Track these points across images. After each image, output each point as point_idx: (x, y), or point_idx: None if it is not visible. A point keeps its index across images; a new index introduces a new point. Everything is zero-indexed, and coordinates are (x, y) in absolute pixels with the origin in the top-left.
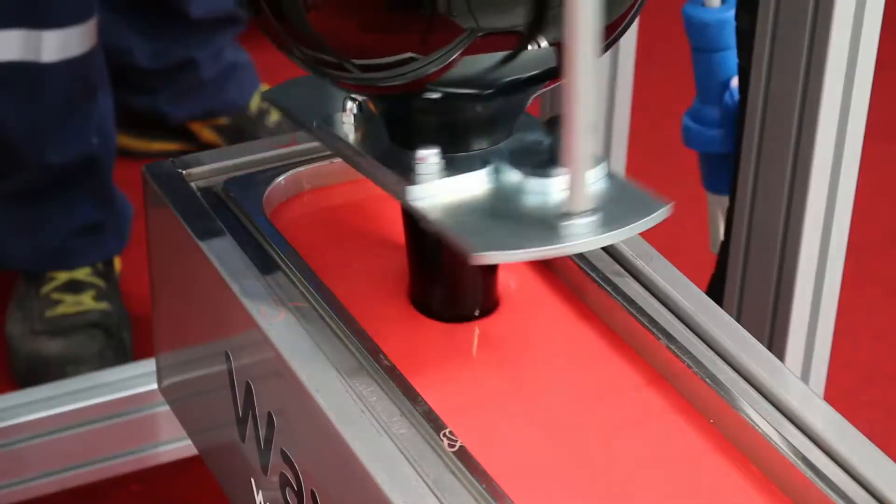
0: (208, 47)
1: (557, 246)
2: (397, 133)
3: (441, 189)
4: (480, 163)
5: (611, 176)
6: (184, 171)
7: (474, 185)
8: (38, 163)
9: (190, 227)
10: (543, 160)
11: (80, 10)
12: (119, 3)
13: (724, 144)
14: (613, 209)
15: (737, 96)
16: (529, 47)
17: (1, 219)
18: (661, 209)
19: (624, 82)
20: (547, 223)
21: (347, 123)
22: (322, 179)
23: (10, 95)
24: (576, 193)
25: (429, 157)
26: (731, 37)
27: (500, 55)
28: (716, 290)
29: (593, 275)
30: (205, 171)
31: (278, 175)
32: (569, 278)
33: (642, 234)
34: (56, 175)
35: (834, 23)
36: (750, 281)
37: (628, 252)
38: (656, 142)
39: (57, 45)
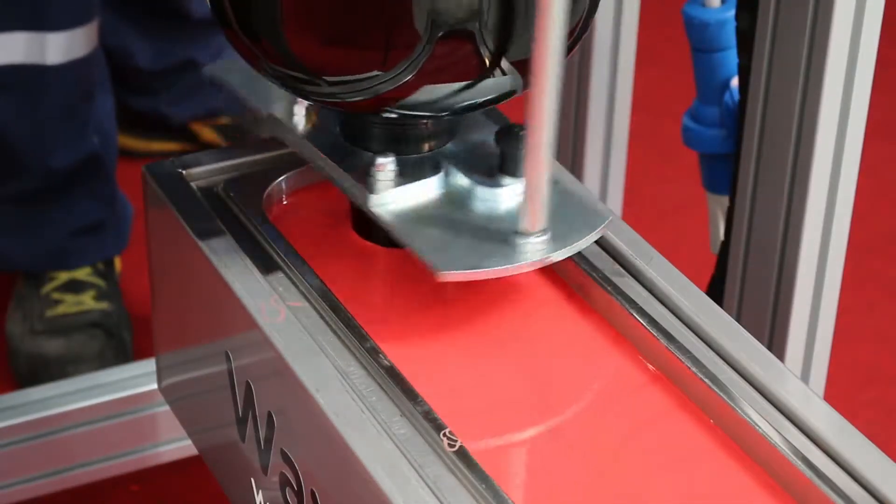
0: (209, 48)
1: (515, 265)
2: (350, 133)
3: (399, 196)
4: (431, 167)
5: (555, 182)
6: (184, 171)
7: (428, 191)
8: (41, 167)
9: (190, 227)
10: (492, 166)
11: (83, 12)
12: (120, 4)
13: (724, 144)
14: (561, 223)
15: (737, 96)
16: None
17: (1, 219)
18: (605, 220)
19: (624, 82)
20: (503, 240)
21: (298, 115)
22: (322, 179)
23: (15, 98)
24: (534, 214)
25: (387, 165)
26: (731, 37)
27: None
28: (716, 290)
29: (593, 275)
30: (205, 171)
31: (278, 175)
32: (569, 277)
33: (642, 234)
34: (58, 178)
35: (834, 23)
36: (750, 281)
37: (628, 252)
38: (656, 142)
39: (61, 47)
